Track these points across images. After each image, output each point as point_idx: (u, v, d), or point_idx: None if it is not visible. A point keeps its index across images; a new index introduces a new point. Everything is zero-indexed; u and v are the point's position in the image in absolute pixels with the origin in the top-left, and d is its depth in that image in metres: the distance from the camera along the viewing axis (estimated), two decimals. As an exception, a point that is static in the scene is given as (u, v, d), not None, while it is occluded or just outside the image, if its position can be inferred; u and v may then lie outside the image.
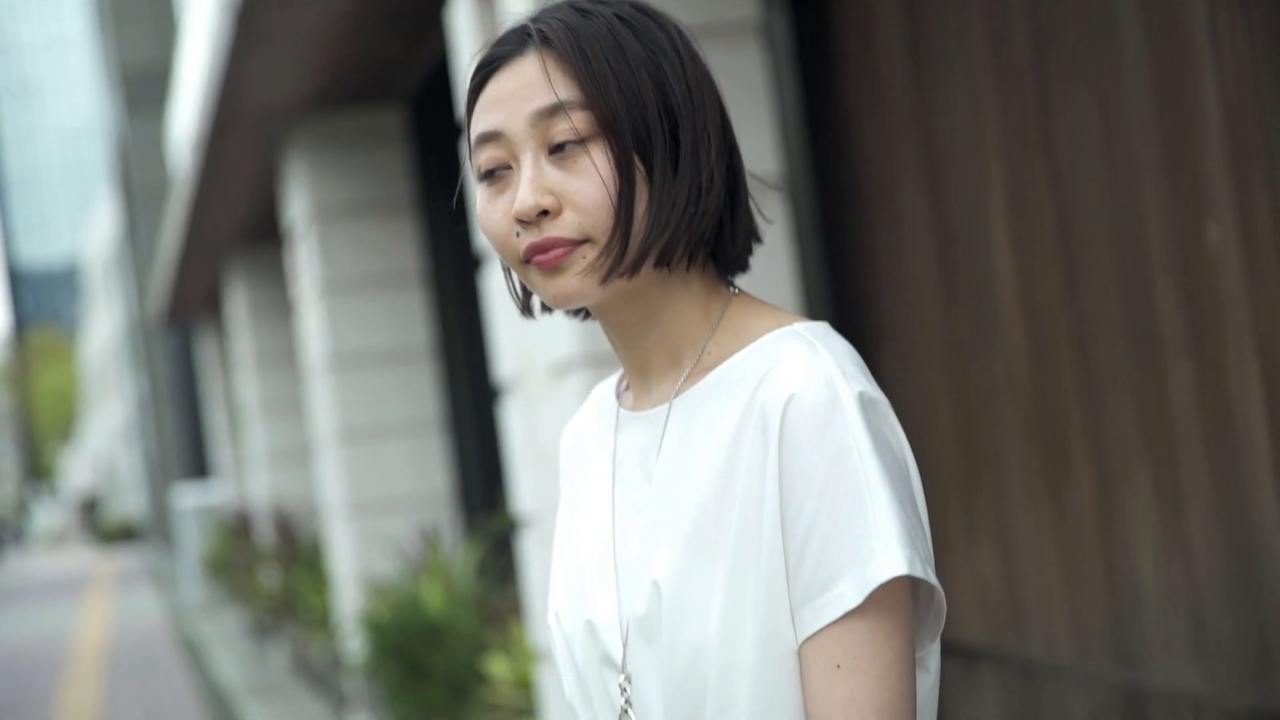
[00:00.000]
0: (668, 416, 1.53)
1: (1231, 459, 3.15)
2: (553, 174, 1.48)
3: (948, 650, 4.38)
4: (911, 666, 1.41)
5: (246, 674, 12.75)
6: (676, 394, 1.53)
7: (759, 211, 1.62)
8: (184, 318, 18.91)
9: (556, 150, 1.48)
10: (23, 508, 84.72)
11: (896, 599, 1.41)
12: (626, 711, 1.52)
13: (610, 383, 1.68)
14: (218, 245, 13.30)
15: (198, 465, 24.96)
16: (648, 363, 1.57)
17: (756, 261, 1.61)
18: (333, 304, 8.64)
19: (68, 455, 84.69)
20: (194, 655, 15.06)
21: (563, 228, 1.47)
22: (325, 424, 8.87)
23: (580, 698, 1.60)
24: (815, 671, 1.40)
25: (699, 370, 1.53)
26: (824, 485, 1.40)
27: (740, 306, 1.55)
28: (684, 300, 1.54)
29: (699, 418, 1.50)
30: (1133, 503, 3.50)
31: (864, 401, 1.43)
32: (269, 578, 11.50)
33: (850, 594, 1.39)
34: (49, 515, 79.72)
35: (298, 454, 13.00)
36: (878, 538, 1.38)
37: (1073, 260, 3.56)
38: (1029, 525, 3.88)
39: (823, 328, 1.51)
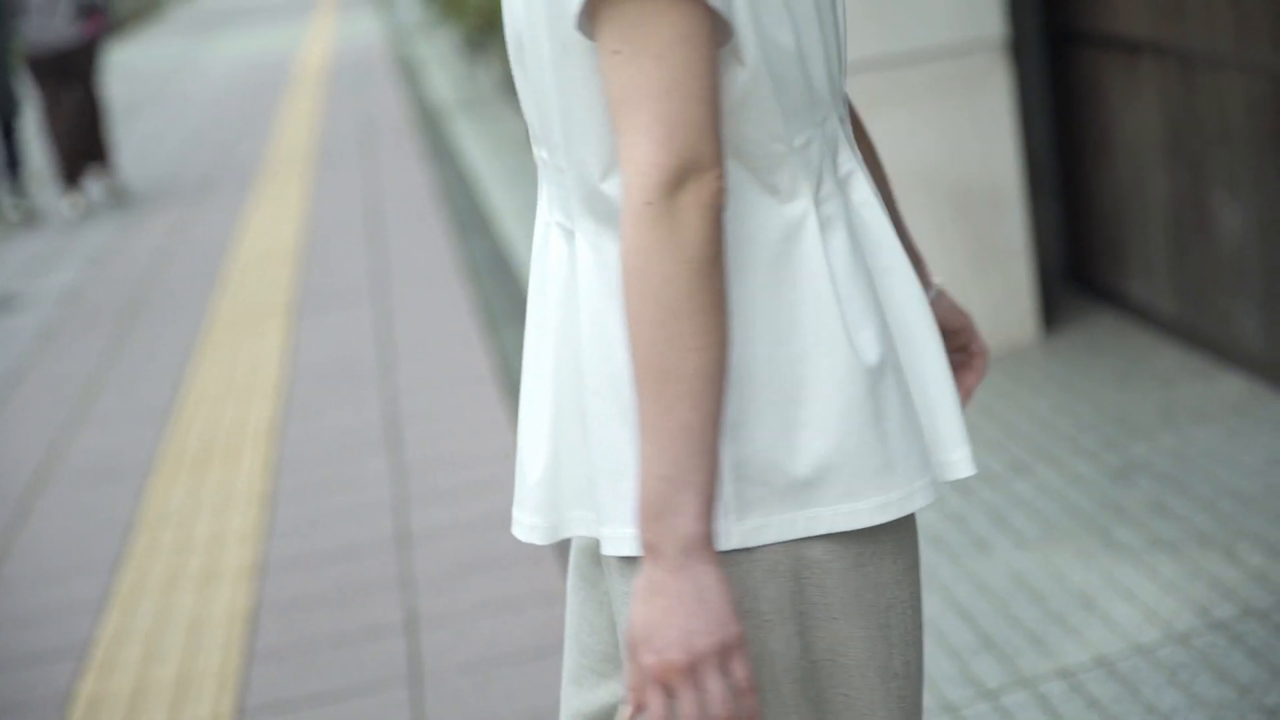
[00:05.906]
0: None
1: None
2: None
3: (1110, 43, 4.32)
4: (704, 50, 1.34)
5: (456, 90, 13.04)
6: None
7: None
8: None
9: None
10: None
11: None
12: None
13: None
14: None
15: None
16: None
17: None
18: None
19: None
20: (408, 72, 15.42)
21: None
22: None
23: None
24: (601, 63, 1.35)
25: None
26: None
27: None
28: None
29: None
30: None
31: None
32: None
33: None
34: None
35: None
36: None
37: None
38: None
39: None
